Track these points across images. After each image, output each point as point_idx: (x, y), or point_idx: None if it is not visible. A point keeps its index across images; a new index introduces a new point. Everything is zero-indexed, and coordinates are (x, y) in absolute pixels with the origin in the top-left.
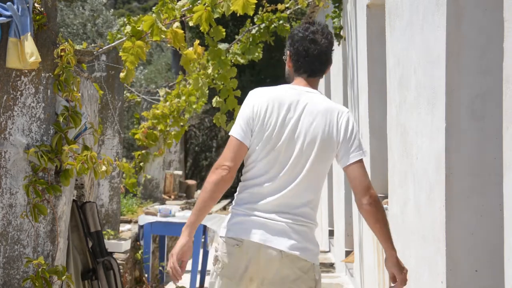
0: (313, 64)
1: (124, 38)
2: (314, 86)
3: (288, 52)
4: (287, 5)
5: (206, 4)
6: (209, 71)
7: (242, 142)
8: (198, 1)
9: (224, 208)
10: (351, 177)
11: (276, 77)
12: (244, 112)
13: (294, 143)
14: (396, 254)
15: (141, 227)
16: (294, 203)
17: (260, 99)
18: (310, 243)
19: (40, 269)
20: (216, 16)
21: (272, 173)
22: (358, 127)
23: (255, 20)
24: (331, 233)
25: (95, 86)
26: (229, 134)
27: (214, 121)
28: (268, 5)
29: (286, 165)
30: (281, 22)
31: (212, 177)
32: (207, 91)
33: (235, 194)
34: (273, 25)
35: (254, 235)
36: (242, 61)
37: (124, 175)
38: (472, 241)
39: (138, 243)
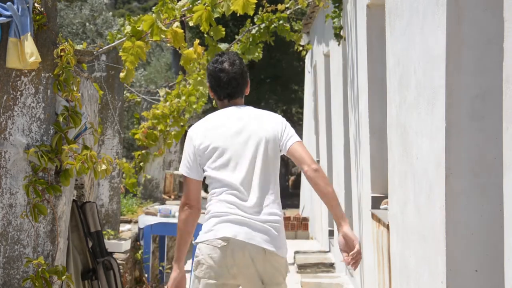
0: (227, 90)
1: (124, 38)
2: (239, 104)
3: (208, 84)
4: (287, 5)
5: (206, 4)
6: None
7: (193, 178)
8: (198, 1)
9: None
10: (296, 154)
11: (276, 77)
12: (187, 149)
13: (244, 153)
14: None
15: (141, 227)
16: (263, 203)
17: (197, 133)
18: (283, 241)
19: (40, 269)
20: (216, 16)
21: (237, 183)
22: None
23: (255, 20)
24: (331, 233)
25: (95, 86)
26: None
27: None
28: (268, 5)
29: (245, 172)
30: (281, 22)
31: (182, 216)
32: (207, 91)
33: (207, 206)
34: (273, 25)
35: (238, 233)
36: None
37: (124, 175)
38: (472, 241)
39: (138, 243)
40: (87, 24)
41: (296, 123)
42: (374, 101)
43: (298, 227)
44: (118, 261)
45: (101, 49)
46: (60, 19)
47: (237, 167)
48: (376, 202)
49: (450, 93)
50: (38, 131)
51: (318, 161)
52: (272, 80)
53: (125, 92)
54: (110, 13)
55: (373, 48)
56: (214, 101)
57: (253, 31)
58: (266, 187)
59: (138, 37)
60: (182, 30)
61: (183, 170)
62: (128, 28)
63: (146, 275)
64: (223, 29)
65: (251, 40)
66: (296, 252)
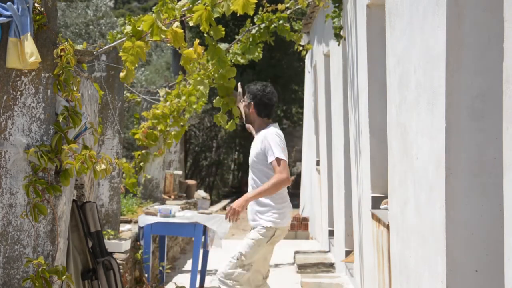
0: (270, 112)
1: (124, 38)
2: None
3: (252, 103)
4: (287, 5)
5: (206, 4)
6: (209, 67)
7: None
8: (198, 1)
9: (224, 208)
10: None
11: (276, 77)
12: (280, 143)
13: None
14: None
15: (141, 227)
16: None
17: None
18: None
19: (40, 269)
20: (216, 15)
21: None
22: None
23: (255, 20)
24: (331, 233)
25: (95, 86)
26: (282, 158)
27: (214, 121)
28: (268, 5)
29: None
30: (281, 22)
31: (282, 185)
32: (207, 92)
33: (273, 205)
34: (273, 25)
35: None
36: (242, 61)
37: (124, 175)
38: (472, 241)
39: (138, 243)
40: (91, 25)
41: (296, 123)
42: (374, 101)
43: (298, 227)
44: (118, 261)
45: (101, 49)
46: (63, 19)
47: None
48: (376, 202)
49: (450, 93)
50: (38, 131)
51: (318, 161)
52: (272, 80)
53: (125, 92)
54: (114, 18)
55: (373, 48)
56: (215, 102)
57: (253, 31)
58: None
59: (138, 37)
60: (182, 30)
61: (283, 156)
62: (128, 28)
63: (146, 275)
64: (223, 29)
65: (251, 40)
66: (296, 252)
